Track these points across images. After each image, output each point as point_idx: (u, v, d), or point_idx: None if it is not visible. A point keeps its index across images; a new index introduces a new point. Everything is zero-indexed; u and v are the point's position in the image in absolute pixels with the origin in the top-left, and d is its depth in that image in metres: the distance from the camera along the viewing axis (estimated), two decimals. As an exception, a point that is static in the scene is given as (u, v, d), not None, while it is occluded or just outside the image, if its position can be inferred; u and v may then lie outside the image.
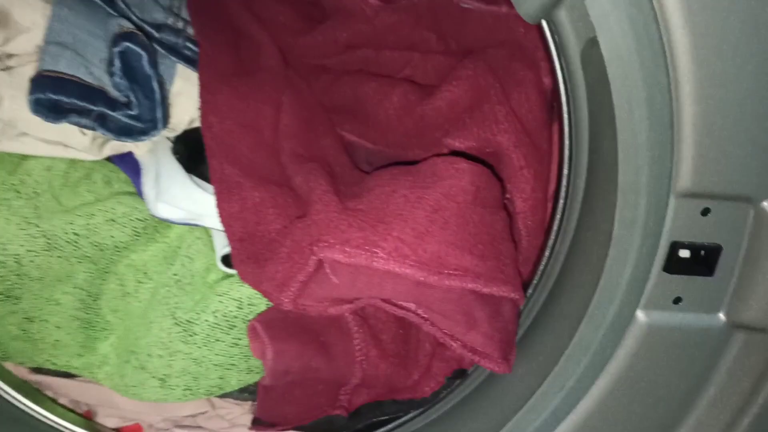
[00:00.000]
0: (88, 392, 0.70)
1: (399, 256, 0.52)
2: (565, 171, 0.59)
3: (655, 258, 0.51)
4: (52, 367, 0.67)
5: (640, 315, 0.53)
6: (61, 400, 0.71)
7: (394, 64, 0.74)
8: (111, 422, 0.70)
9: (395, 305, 0.56)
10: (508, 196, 0.62)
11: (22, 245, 0.58)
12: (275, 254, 0.56)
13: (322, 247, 0.52)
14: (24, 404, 0.66)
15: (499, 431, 0.56)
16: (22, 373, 0.69)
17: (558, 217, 0.62)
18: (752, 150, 0.47)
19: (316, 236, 0.53)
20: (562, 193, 0.60)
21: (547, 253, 0.63)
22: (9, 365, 0.67)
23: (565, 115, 0.54)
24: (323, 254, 0.52)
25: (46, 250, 0.59)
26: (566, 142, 0.57)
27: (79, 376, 0.70)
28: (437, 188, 0.56)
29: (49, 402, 0.69)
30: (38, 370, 0.69)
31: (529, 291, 0.63)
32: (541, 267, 0.63)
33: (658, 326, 0.54)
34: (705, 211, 0.50)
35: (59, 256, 0.60)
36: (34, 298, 0.62)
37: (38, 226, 0.59)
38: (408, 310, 0.56)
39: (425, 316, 0.56)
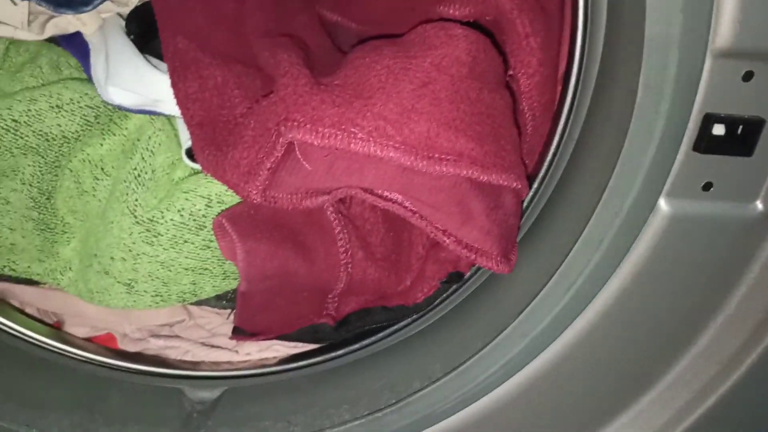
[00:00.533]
0: (54, 300, 0.65)
1: (381, 137, 0.45)
2: (579, 39, 0.50)
3: (684, 134, 0.43)
4: (12, 274, 0.62)
5: (663, 204, 0.46)
6: (28, 310, 0.66)
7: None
8: (81, 332, 0.66)
9: (379, 196, 0.49)
10: (511, 72, 0.53)
11: (-48, 133, 0.51)
12: (239, 138, 0.48)
13: (290, 127, 0.45)
14: (-16, 314, 0.61)
15: (495, 338, 0.50)
16: (-18, 281, 0.64)
17: (569, 98, 0.53)
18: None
19: (284, 114, 0.45)
20: (575, 69, 0.51)
21: (555, 141, 0.55)
22: (-35, 272, 0.62)
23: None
24: (292, 135, 0.45)
25: (-19, 139, 0.52)
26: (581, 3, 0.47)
27: (44, 284, 0.64)
28: (427, 58, 0.47)
29: (15, 312, 0.64)
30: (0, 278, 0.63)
31: (535, 184, 0.56)
32: (549, 156, 0.55)
33: (684, 217, 0.46)
34: (747, 76, 0.42)
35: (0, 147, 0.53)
36: (-22, 196, 0.55)
37: (-31, 111, 0.52)
38: (394, 201, 0.49)
39: (413, 208, 0.49)
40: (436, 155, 0.46)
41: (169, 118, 0.60)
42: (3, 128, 0.53)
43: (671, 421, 0.51)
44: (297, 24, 0.60)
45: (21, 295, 0.65)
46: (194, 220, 0.57)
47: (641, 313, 0.49)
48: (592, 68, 0.49)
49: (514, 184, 0.49)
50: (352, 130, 0.44)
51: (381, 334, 0.62)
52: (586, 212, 0.47)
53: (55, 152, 0.56)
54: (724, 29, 0.40)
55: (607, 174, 0.45)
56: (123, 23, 0.60)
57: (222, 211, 0.58)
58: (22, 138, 0.54)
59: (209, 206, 0.58)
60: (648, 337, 0.50)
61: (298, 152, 0.46)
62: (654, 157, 0.43)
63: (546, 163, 0.55)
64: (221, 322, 0.68)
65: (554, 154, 0.54)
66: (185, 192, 0.57)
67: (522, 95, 0.53)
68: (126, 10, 0.60)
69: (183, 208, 0.57)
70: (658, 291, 0.49)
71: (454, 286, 0.60)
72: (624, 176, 0.44)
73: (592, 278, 0.48)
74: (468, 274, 0.59)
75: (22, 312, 0.65)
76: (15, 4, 0.53)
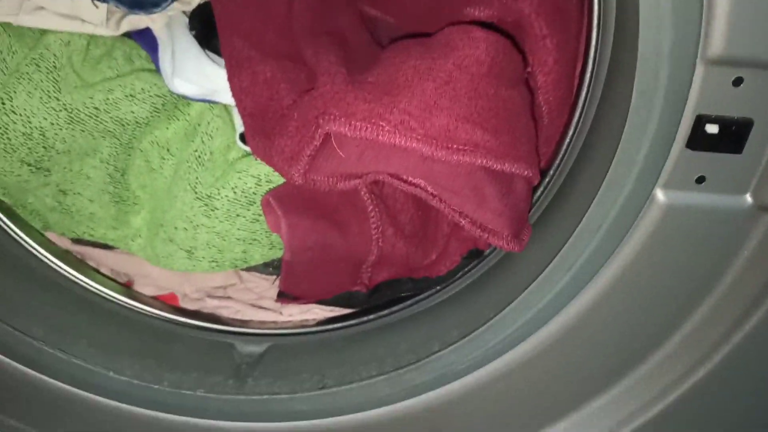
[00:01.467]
0: (125, 262, 0.74)
1: (405, 130, 0.51)
2: (593, 40, 0.55)
3: (677, 133, 0.48)
4: (90, 239, 0.71)
5: (659, 194, 0.51)
6: (103, 270, 0.75)
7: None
8: (147, 291, 0.75)
9: (404, 180, 0.56)
10: (529, 69, 0.58)
11: (45, 118, 0.60)
12: (284, 128, 0.56)
13: (327, 120, 0.52)
14: (69, 273, 0.71)
15: (505, 309, 0.57)
16: (66, 244, 0.74)
17: (584, 93, 0.58)
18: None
19: (322, 109, 0.52)
20: (589, 66, 0.56)
21: (570, 132, 0.60)
22: (53, 237, 0.72)
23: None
24: (328, 127, 0.52)
25: (69, 124, 0.61)
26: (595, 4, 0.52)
27: (117, 248, 0.74)
28: (449, 58, 0.53)
29: (92, 271, 0.74)
30: (79, 241, 0.73)
31: (550, 172, 0.61)
32: (564, 147, 0.60)
33: (678, 207, 0.51)
34: (737, 81, 0.46)
35: (82, 130, 0.62)
36: (64, 171, 0.64)
37: (59, 100, 0.60)
38: (416, 185, 0.56)
39: (434, 192, 0.56)
40: (455, 146, 0.52)
41: (225, 106, 0.68)
42: (86, 115, 0.62)
43: (658, 395, 0.56)
44: (340, 21, 0.66)
45: (97, 257, 0.74)
46: (246, 196, 0.65)
47: (636, 293, 0.54)
48: (603, 68, 0.54)
49: (526, 173, 0.55)
50: (380, 123, 0.51)
51: (407, 302, 0.69)
52: (588, 200, 0.52)
53: (129, 135, 0.65)
54: (715, 39, 0.44)
55: (606, 165, 0.50)
56: (187, 20, 0.67)
57: (269, 189, 0.66)
58: (101, 123, 0.63)
59: (258, 185, 0.65)
60: (641, 315, 0.55)
61: (333, 142, 0.53)
62: (649, 151, 0.48)
63: (560, 154, 0.60)
64: (268, 286, 0.76)
65: (567, 146, 0.60)
66: (238, 172, 0.65)
67: (539, 90, 0.59)
68: (189, 8, 0.67)
69: (236, 186, 0.65)
70: (653, 274, 0.54)
71: (474, 262, 0.66)
72: (621, 167, 0.49)
73: (591, 260, 0.53)
74: (486, 252, 0.65)
75: (98, 272, 0.75)
76: (96, 6, 0.61)
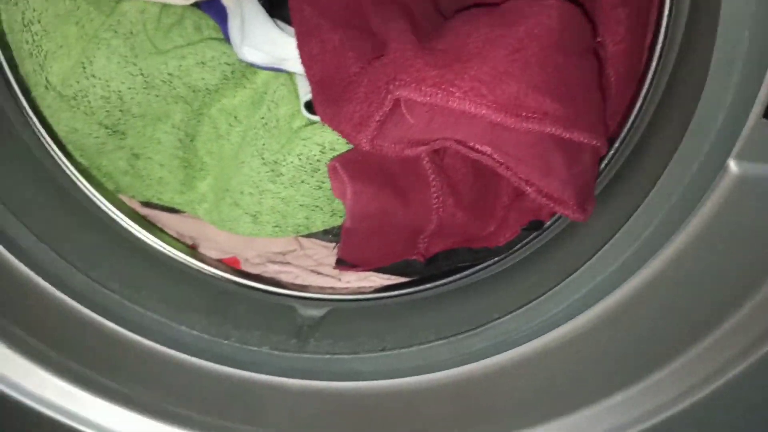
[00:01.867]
0: (191, 226, 0.77)
1: (475, 96, 0.51)
2: (666, 8, 0.54)
3: (753, 104, 0.47)
4: (158, 202, 0.74)
5: (732, 165, 0.50)
6: (169, 232, 0.78)
7: None
8: (212, 254, 0.78)
9: (471, 148, 0.56)
10: (599, 39, 0.58)
11: (123, 82, 0.63)
12: (353, 95, 0.57)
13: (397, 86, 0.52)
14: (139, 233, 0.74)
15: (565, 280, 0.57)
16: (135, 206, 0.77)
17: (653, 64, 0.57)
18: None
19: (392, 75, 0.53)
20: (661, 35, 0.56)
21: (638, 104, 0.59)
22: (123, 198, 0.75)
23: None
24: (399, 93, 0.52)
25: (145, 89, 0.63)
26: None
27: (183, 212, 0.76)
28: (520, 26, 0.53)
29: (161, 232, 0.77)
30: (147, 204, 0.76)
31: (616, 144, 0.61)
32: (631, 119, 0.60)
33: (752, 178, 0.50)
34: (822, 49, 0.45)
35: (156, 95, 0.64)
36: (138, 135, 0.67)
37: (135, 65, 0.63)
38: (483, 153, 0.56)
39: (501, 160, 0.56)
40: (524, 113, 0.52)
41: (290, 75, 0.69)
42: (161, 81, 0.64)
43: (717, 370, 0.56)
44: (404, -9, 0.66)
45: (165, 220, 0.77)
46: (310, 163, 0.67)
47: (703, 266, 0.54)
48: (676, 38, 0.53)
49: (594, 142, 0.55)
50: (451, 89, 0.52)
51: (465, 272, 0.70)
52: (657, 171, 0.52)
53: (199, 102, 0.67)
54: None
55: (678, 136, 0.50)
56: (254, -11, 0.69)
57: (333, 156, 0.67)
58: (174, 89, 0.65)
59: (323, 152, 0.67)
60: (709, 286, 0.55)
61: (403, 107, 0.54)
62: (723, 123, 0.48)
63: (627, 125, 0.60)
64: (327, 254, 0.78)
65: (636, 117, 0.59)
66: (303, 139, 0.66)
67: (608, 61, 0.58)
68: (257, -22, 0.69)
69: (301, 153, 0.66)
70: (723, 247, 0.53)
71: (534, 233, 0.66)
72: (694, 139, 0.49)
73: (658, 232, 0.53)
74: (547, 224, 0.66)
75: (166, 233, 0.78)
76: (171, -24, 0.63)
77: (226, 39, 0.68)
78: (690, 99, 0.49)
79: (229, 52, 0.67)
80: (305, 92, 0.67)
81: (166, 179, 0.72)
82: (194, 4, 0.70)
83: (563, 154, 0.55)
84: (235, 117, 0.69)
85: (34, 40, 0.60)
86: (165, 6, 0.70)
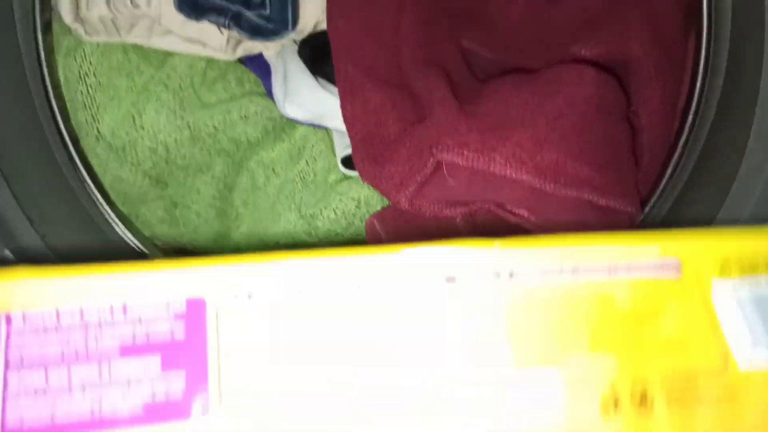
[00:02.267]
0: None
1: (516, 162, 0.53)
2: (699, 82, 0.56)
3: (791, 177, 0.48)
4: (193, 249, 0.76)
5: (767, 237, 0.51)
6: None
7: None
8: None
9: (508, 211, 0.58)
10: (633, 108, 0.60)
11: (170, 135, 0.65)
12: (395, 155, 0.59)
13: (441, 149, 0.54)
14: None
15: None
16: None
17: (685, 133, 0.59)
18: None
19: (436, 138, 0.55)
20: (693, 107, 0.58)
21: (669, 171, 0.61)
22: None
23: (704, 13, 0.51)
24: (442, 156, 0.54)
25: (190, 141, 0.66)
26: (703, 46, 0.54)
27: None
28: (560, 95, 0.55)
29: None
30: (182, 252, 0.77)
31: (646, 208, 0.62)
32: (662, 184, 0.61)
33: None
34: None
35: (201, 148, 0.66)
36: (179, 185, 0.69)
37: (183, 118, 0.65)
38: (521, 216, 0.57)
39: (538, 222, 0.57)
40: (562, 180, 0.54)
41: (327, 131, 0.71)
42: (206, 133, 0.66)
43: None
44: (442, 53, 0.69)
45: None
46: (345, 218, 0.68)
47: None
48: (710, 109, 0.55)
49: (629, 209, 0.56)
50: (493, 154, 0.53)
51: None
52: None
53: (240, 155, 0.69)
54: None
55: (715, 209, 0.51)
56: (296, 48, 0.72)
57: (367, 211, 0.68)
58: (218, 142, 0.67)
59: (358, 207, 0.68)
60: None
61: (444, 170, 0.56)
62: (762, 194, 0.49)
63: (659, 190, 0.62)
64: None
65: (667, 182, 0.61)
66: (339, 194, 0.68)
67: (642, 130, 0.60)
68: (300, 37, 0.72)
69: (337, 207, 0.68)
70: None
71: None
72: (733, 210, 0.50)
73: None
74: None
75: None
76: (222, 33, 0.65)
77: (268, 93, 0.70)
78: (726, 171, 0.50)
79: (271, 107, 0.69)
80: (342, 148, 0.69)
81: (201, 228, 0.73)
82: (237, 60, 0.73)
83: (598, 219, 0.56)
84: (273, 170, 0.70)
85: (89, 92, 0.62)
86: (210, 60, 0.73)
